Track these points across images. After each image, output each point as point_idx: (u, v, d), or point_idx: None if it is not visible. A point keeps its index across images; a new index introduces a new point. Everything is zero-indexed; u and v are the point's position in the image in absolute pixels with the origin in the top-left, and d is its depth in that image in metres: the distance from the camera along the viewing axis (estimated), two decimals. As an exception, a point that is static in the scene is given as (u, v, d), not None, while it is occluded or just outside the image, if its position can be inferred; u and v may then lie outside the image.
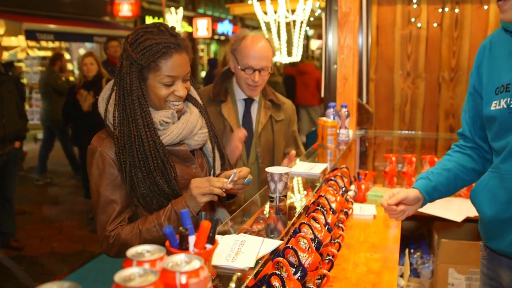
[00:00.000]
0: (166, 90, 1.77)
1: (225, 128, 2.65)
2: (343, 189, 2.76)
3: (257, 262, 1.32)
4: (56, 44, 14.45)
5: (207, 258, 1.05)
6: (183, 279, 0.87)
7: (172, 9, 19.09)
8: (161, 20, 17.14)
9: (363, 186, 3.25)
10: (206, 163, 2.03)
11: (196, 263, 0.90)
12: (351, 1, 3.58)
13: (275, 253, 1.74)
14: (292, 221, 1.84)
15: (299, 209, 1.96)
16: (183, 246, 1.02)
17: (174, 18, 18.95)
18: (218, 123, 2.61)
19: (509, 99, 1.63)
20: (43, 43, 14.17)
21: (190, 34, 20.60)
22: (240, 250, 1.37)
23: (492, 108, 1.70)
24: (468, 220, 3.00)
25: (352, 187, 3.08)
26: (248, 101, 2.75)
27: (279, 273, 1.61)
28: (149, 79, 1.76)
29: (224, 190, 1.69)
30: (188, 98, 1.96)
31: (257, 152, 2.71)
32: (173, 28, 1.85)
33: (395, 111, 4.98)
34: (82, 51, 14.52)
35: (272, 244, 1.45)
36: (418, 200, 1.98)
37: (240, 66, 2.60)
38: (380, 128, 4.66)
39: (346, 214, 2.73)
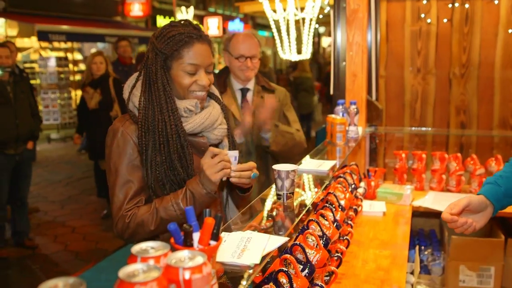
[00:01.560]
0: (189, 79, 1.85)
1: (227, 115, 2.88)
2: (353, 186, 2.76)
3: (262, 259, 1.32)
4: (69, 44, 14.55)
5: (211, 254, 1.06)
6: (187, 275, 0.88)
7: (183, 8, 19.15)
8: (172, 19, 17.23)
9: (372, 183, 3.24)
10: None
11: (199, 259, 0.91)
12: (360, -2, 3.57)
13: (282, 250, 1.75)
14: (299, 218, 1.85)
15: (307, 206, 1.96)
16: (187, 243, 1.04)
17: (185, 17, 19.01)
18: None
19: None
20: (56, 44, 14.28)
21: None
22: (246, 247, 1.38)
23: None
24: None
25: (362, 184, 3.07)
26: (244, 90, 3.08)
27: (286, 269, 1.62)
28: (173, 68, 1.85)
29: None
30: (210, 95, 2.03)
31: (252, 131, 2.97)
32: (196, 24, 1.93)
33: (405, 107, 4.95)
34: (94, 51, 14.65)
35: (278, 241, 1.46)
36: (485, 207, 1.78)
37: (234, 56, 2.98)
38: (391, 124, 4.65)
39: (356, 211, 2.73)
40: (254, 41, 3.02)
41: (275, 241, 1.45)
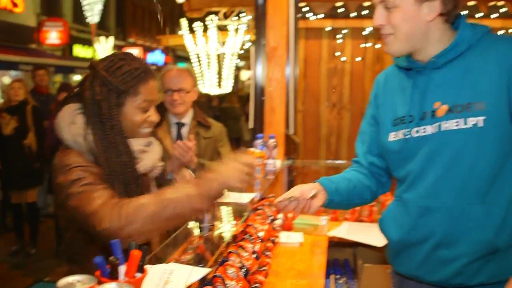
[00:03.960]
0: (142, 116, 1.79)
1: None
2: (271, 217, 2.84)
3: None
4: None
5: (137, 286, 1.09)
6: (112, 307, 0.91)
7: (102, 38, 18.87)
8: (90, 49, 16.80)
9: (289, 215, 3.34)
10: None
11: (125, 290, 0.94)
12: (279, 36, 3.72)
13: (204, 282, 1.79)
14: (219, 250, 1.90)
15: (227, 238, 2.01)
16: (113, 275, 1.06)
17: (104, 47, 18.73)
18: None
19: (405, 130, 1.71)
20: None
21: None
22: (169, 279, 1.41)
23: (391, 139, 1.77)
24: (389, 245, 3.15)
25: (280, 215, 3.17)
26: (180, 125, 3.13)
27: (208, 301, 1.66)
28: (126, 105, 1.76)
29: None
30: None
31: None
32: (141, 57, 1.88)
33: (321, 141, 5.16)
34: (7, 79, 14.06)
35: (200, 272, 1.50)
36: (316, 193, 1.81)
37: (163, 90, 3.06)
38: (308, 158, 4.81)
39: (273, 242, 2.81)
40: (184, 75, 3.07)
41: (197, 273, 1.49)
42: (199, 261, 1.73)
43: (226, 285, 1.85)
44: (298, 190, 1.78)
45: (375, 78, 1.94)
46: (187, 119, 3.14)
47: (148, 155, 1.84)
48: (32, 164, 5.73)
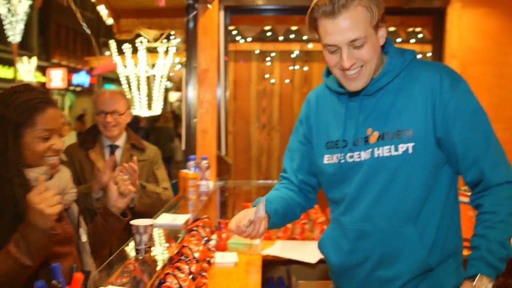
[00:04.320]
0: (43, 145, 1.75)
1: (93, 170, 2.92)
2: (205, 238, 2.86)
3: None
4: None
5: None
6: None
7: (25, 58, 18.26)
8: (12, 69, 16.22)
9: (224, 235, 3.36)
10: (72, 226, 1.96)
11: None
12: (210, 58, 3.78)
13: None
14: (157, 273, 1.89)
15: (163, 259, 2.01)
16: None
17: (26, 68, 18.12)
18: (87, 167, 2.98)
19: (339, 154, 1.75)
20: None
21: (43, 85, 19.77)
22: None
23: (326, 162, 1.80)
24: (322, 261, 3.22)
25: (214, 236, 3.18)
26: (113, 147, 3.08)
27: (146, 323, 1.65)
28: (25, 136, 1.74)
29: None
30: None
31: None
32: (39, 86, 1.89)
33: (252, 161, 5.23)
34: None
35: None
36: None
37: (96, 112, 3.03)
38: (239, 178, 4.86)
39: (209, 262, 2.82)
40: (117, 97, 3.04)
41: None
42: (136, 284, 1.72)
43: (164, 307, 1.85)
44: (250, 213, 1.72)
45: (304, 98, 1.96)
46: (121, 141, 3.09)
47: (50, 182, 1.77)
48: None
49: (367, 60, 1.65)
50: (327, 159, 1.81)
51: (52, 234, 1.60)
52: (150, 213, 2.79)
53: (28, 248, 1.55)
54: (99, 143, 3.07)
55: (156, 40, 5.26)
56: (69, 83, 21.87)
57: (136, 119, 11.72)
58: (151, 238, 1.96)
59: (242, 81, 5.21)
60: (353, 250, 1.78)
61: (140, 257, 1.93)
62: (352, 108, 1.77)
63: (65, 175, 1.89)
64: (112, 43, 5.32)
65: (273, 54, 5.07)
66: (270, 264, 3.58)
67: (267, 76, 5.26)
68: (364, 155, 1.71)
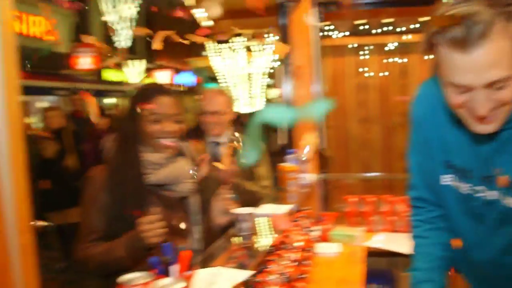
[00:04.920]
0: (155, 127, 2.03)
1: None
2: (308, 229, 2.92)
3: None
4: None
5: (188, 282, 1.19)
6: (172, 299, 1.01)
7: (133, 61, 19.28)
8: (121, 72, 17.19)
9: (326, 226, 3.40)
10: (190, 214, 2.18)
11: (180, 284, 1.04)
12: (303, 55, 3.85)
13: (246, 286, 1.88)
14: (260, 259, 1.99)
15: (265, 246, 2.10)
16: (166, 273, 1.17)
17: (134, 71, 19.14)
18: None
19: (463, 184, 1.54)
20: None
21: (150, 86, 20.67)
22: (216, 280, 1.51)
23: (443, 182, 1.61)
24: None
25: (316, 227, 3.24)
26: (216, 144, 3.25)
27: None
28: (142, 119, 2.04)
29: None
30: (182, 153, 2.18)
31: None
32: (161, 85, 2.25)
33: (351, 155, 5.22)
34: (41, 104, 14.49)
35: (244, 274, 1.60)
36: None
37: (200, 112, 3.26)
38: (338, 171, 4.87)
39: (312, 252, 2.88)
40: (219, 97, 3.22)
41: (242, 275, 1.59)
42: (240, 267, 1.82)
43: (267, 291, 1.93)
44: None
45: (402, 91, 1.85)
46: (223, 138, 3.23)
47: (163, 169, 2.04)
48: (72, 184, 5.94)
49: (509, 102, 1.27)
50: (447, 180, 1.58)
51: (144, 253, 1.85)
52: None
53: (130, 251, 1.87)
54: (203, 140, 3.25)
55: (253, 38, 5.40)
56: (174, 83, 22.80)
57: (239, 116, 12.01)
58: (252, 226, 2.06)
59: (338, 75, 5.22)
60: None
61: (243, 244, 2.04)
62: (480, 139, 1.43)
63: (180, 165, 2.11)
64: (211, 43, 5.55)
65: (368, 48, 5.03)
66: (373, 255, 3.58)
67: (363, 69, 5.24)
68: (491, 195, 1.48)
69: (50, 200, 6.05)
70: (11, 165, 0.60)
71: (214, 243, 2.31)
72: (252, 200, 3.05)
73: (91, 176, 2.06)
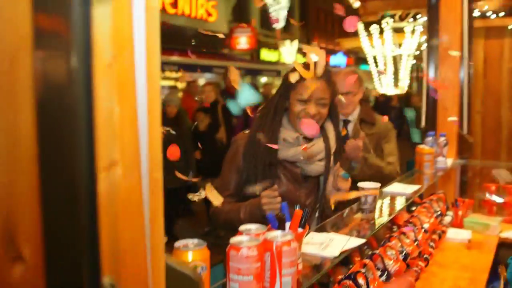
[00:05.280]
0: (299, 107, 2.17)
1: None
2: (438, 212, 2.93)
3: (341, 254, 1.60)
4: (179, 74, 15.56)
5: (299, 238, 1.36)
6: (278, 247, 1.19)
7: (287, 41, 19.75)
8: (276, 52, 17.66)
9: (460, 212, 3.36)
10: (316, 192, 2.31)
11: (288, 237, 1.21)
12: (452, 36, 3.75)
13: (364, 256, 2.01)
14: (378, 228, 2.09)
15: (385, 221, 2.20)
16: (280, 228, 1.35)
17: (288, 51, 19.58)
18: None
19: None
20: (167, 74, 15.33)
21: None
22: (329, 244, 1.66)
23: None
24: None
25: (449, 212, 3.22)
26: (346, 122, 3.31)
27: (365, 272, 1.88)
28: (290, 97, 2.21)
29: None
30: (323, 133, 2.31)
31: None
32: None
33: (502, 143, 4.99)
34: (202, 81, 15.52)
35: (356, 241, 1.73)
36: None
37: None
38: (487, 159, 4.70)
39: (440, 235, 2.90)
40: (350, 79, 3.25)
41: (353, 242, 1.72)
42: (358, 235, 1.94)
43: (385, 264, 2.04)
44: None
45: None
46: (353, 116, 3.31)
47: (293, 147, 2.18)
48: (223, 155, 6.41)
49: None
50: None
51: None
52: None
53: (249, 216, 2.06)
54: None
55: (402, 20, 5.32)
56: (327, 64, 22.92)
57: (387, 98, 11.73)
58: (375, 200, 2.17)
59: (493, 58, 4.98)
60: None
61: (364, 216, 2.16)
62: None
63: (315, 147, 2.23)
64: (360, 25, 5.58)
65: (530, 29, 4.73)
66: (507, 247, 3.47)
67: (522, 53, 4.93)
68: None
69: (200, 170, 6.60)
70: (149, 120, 0.75)
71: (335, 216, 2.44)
72: (377, 175, 3.12)
73: (234, 140, 2.32)
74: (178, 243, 1.19)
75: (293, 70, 2.11)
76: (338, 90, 3.24)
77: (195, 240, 1.21)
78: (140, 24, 0.74)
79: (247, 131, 2.31)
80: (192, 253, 1.15)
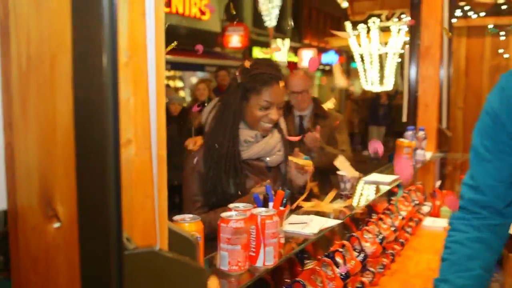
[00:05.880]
0: (262, 112, 2.14)
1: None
2: (416, 202, 3.14)
3: (319, 232, 1.81)
4: (172, 73, 15.72)
5: (281, 215, 1.56)
6: (262, 220, 1.39)
7: (279, 40, 19.92)
8: (268, 51, 17.80)
9: (437, 203, 3.58)
10: (281, 178, 2.35)
11: (271, 212, 1.42)
12: (433, 35, 3.96)
13: (342, 238, 2.21)
14: (360, 217, 2.29)
15: (363, 204, 2.40)
16: (264, 206, 1.55)
17: (281, 49, 19.71)
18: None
19: None
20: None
21: (295, 64, 21.33)
22: (308, 224, 1.86)
23: None
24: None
25: (428, 203, 3.43)
26: (302, 117, 3.74)
27: (342, 251, 2.08)
28: (250, 101, 2.15)
29: None
30: (275, 125, 2.29)
31: None
32: (277, 64, 2.30)
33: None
34: (194, 79, 15.67)
35: (334, 222, 1.94)
36: None
37: (289, 92, 3.66)
38: (467, 152, 4.90)
39: (416, 223, 3.10)
40: (304, 78, 3.66)
41: (332, 222, 1.93)
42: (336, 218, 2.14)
43: (362, 246, 2.24)
44: None
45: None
46: (307, 112, 3.72)
47: (255, 146, 2.17)
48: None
49: None
50: None
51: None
52: (331, 171, 3.02)
53: None
54: (291, 114, 3.74)
55: (388, 19, 5.53)
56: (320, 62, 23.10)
57: (377, 96, 11.91)
58: (352, 187, 2.37)
59: (475, 57, 5.19)
60: None
61: (343, 201, 2.36)
62: None
63: (272, 139, 2.24)
64: (348, 24, 5.79)
65: (509, 28, 4.94)
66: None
67: (501, 51, 5.14)
68: None
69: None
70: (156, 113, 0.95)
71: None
72: (331, 161, 3.29)
73: (189, 151, 2.19)
74: (176, 217, 1.38)
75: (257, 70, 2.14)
76: (290, 90, 3.59)
77: (190, 215, 1.40)
78: (151, 31, 0.93)
79: (198, 139, 2.24)
80: (189, 225, 1.35)
